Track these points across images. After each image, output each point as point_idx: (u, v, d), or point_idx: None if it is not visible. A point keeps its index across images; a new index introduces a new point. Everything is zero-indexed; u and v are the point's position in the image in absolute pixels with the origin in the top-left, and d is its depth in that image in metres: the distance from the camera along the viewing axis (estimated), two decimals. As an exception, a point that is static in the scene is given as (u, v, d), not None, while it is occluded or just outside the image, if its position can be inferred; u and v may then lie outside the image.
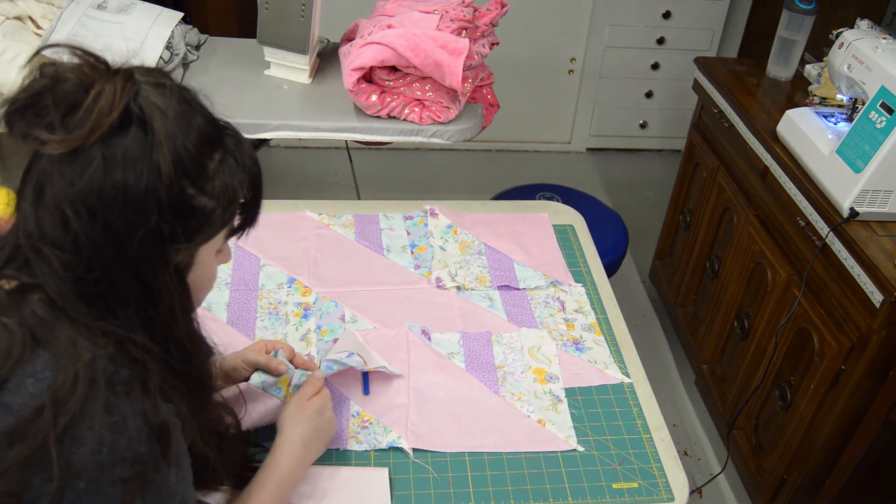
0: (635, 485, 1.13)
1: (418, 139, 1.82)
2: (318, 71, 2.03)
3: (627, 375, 1.31)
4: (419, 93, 1.77)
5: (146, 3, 1.96)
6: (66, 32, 1.78)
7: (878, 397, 1.56)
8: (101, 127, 0.68)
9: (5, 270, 0.73)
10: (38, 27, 1.83)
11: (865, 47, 1.59)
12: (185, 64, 1.98)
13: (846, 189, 1.54)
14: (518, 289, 1.48)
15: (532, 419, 1.21)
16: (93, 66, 0.71)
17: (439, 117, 1.79)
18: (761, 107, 1.97)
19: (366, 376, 1.24)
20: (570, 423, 1.21)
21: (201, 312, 0.87)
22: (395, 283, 1.47)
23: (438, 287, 1.47)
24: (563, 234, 1.64)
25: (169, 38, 1.89)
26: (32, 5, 1.84)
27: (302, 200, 1.67)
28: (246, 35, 2.16)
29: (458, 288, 1.47)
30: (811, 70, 2.03)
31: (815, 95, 1.95)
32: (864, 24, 1.83)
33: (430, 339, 1.34)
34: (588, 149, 3.53)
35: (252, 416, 1.14)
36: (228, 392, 1.13)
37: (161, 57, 1.86)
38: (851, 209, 1.54)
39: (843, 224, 1.55)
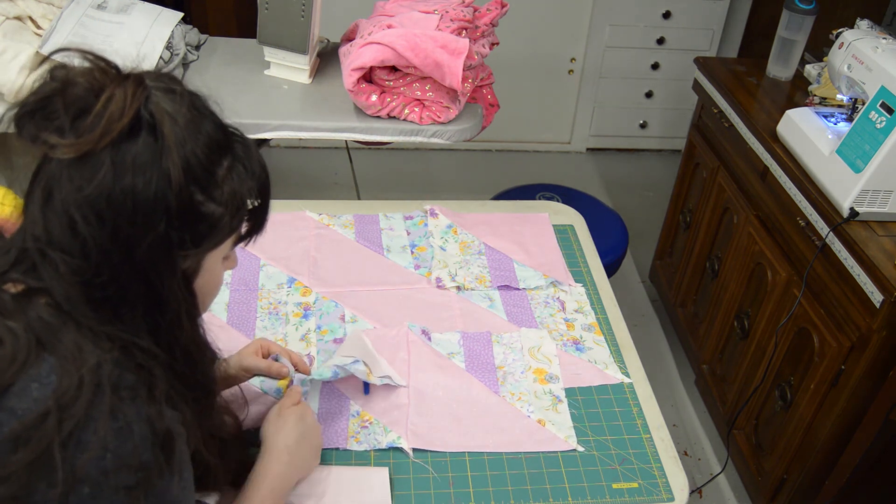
0: (635, 485, 1.13)
1: (418, 139, 1.82)
2: (318, 71, 2.03)
3: (627, 375, 1.31)
4: (419, 93, 1.77)
5: (146, 3, 1.95)
6: (67, 32, 1.78)
7: (878, 397, 1.56)
8: (111, 132, 0.68)
9: (11, 274, 0.73)
10: (38, 27, 1.83)
11: (865, 47, 1.59)
12: (185, 64, 1.98)
13: (846, 189, 1.55)
14: (518, 289, 1.48)
15: (532, 419, 1.21)
16: (103, 71, 0.71)
17: (439, 117, 1.79)
18: (761, 107, 1.97)
19: (366, 376, 1.24)
20: (570, 423, 1.21)
21: (204, 316, 0.87)
22: (395, 283, 1.47)
23: (438, 287, 1.47)
24: (563, 234, 1.64)
25: (169, 38, 1.89)
26: (32, 5, 1.84)
27: (302, 200, 1.67)
28: (246, 35, 2.16)
29: (458, 288, 1.47)
30: (811, 70, 2.03)
31: (815, 95, 1.95)
32: (864, 24, 1.83)
33: (430, 339, 1.34)
34: (588, 149, 3.53)
35: (252, 415, 1.14)
36: (228, 392, 1.13)
37: (161, 57, 1.86)
38: (851, 209, 1.54)
39: (843, 224, 1.55)
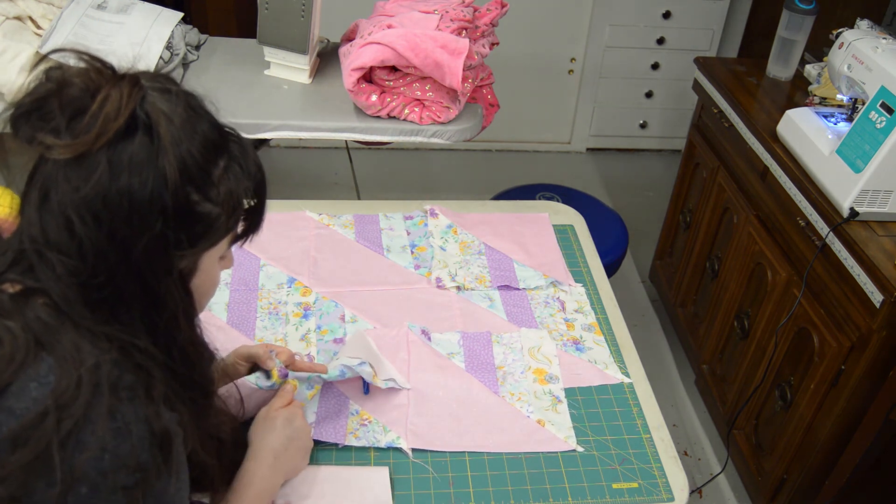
0: (635, 485, 1.13)
1: (418, 139, 1.82)
2: (318, 71, 2.03)
3: (627, 375, 1.31)
4: (419, 93, 1.77)
5: (146, 3, 1.96)
6: (67, 32, 1.78)
7: (878, 397, 1.56)
8: (107, 132, 0.68)
9: (9, 274, 0.73)
10: (38, 27, 1.83)
11: (865, 47, 1.59)
12: (185, 64, 1.98)
13: (846, 189, 1.54)
14: (518, 289, 1.48)
15: (532, 419, 1.21)
16: (99, 71, 0.71)
17: (439, 117, 1.79)
18: (761, 107, 1.97)
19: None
20: (569, 423, 1.21)
21: (201, 316, 0.87)
22: (395, 283, 1.47)
23: (438, 287, 1.47)
24: (563, 234, 1.64)
25: (169, 38, 1.89)
26: (32, 5, 1.84)
27: (302, 200, 1.67)
28: (246, 35, 2.16)
29: (458, 288, 1.47)
30: (811, 70, 2.03)
31: (815, 95, 1.95)
32: (864, 24, 1.83)
33: (430, 339, 1.34)
34: (588, 149, 3.52)
35: (249, 408, 1.13)
36: (224, 390, 1.13)
37: (161, 57, 1.86)
38: (851, 209, 1.54)
39: (843, 224, 1.55)
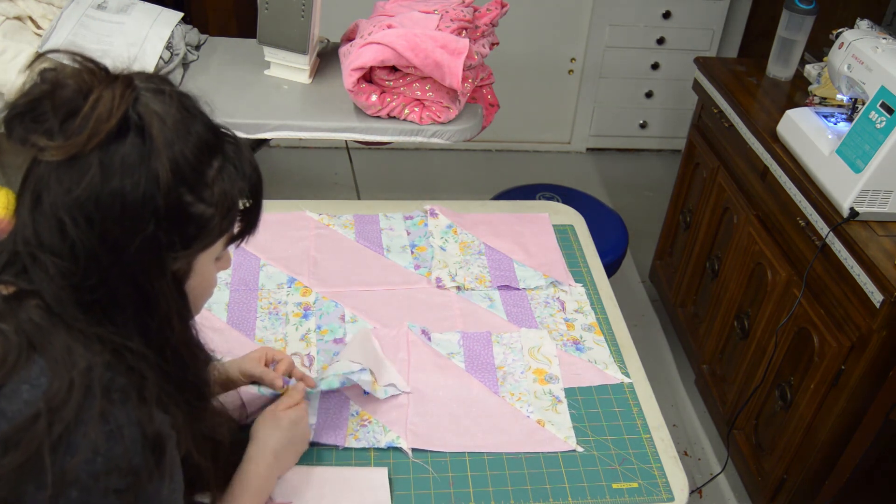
0: (635, 485, 1.13)
1: (418, 139, 1.82)
2: (318, 71, 2.03)
3: (627, 375, 1.31)
4: (419, 93, 1.77)
5: (146, 3, 1.96)
6: (67, 32, 1.78)
7: (878, 397, 1.56)
8: (98, 134, 0.68)
9: (3, 276, 0.73)
10: (38, 27, 1.83)
11: (865, 47, 1.59)
12: (185, 64, 1.98)
13: (846, 189, 1.54)
14: (518, 289, 1.48)
15: (532, 419, 1.21)
16: (92, 72, 0.71)
17: (439, 117, 1.79)
18: (761, 107, 1.97)
19: (366, 376, 1.24)
20: (569, 423, 1.21)
21: (201, 317, 0.86)
22: (395, 283, 1.47)
23: (438, 287, 1.47)
24: (563, 234, 1.64)
25: (169, 39, 1.89)
26: (32, 5, 1.84)
27: (302, 200, 1.67)
28: (246, 35, 2.16)
29: (458, 288, 1.47)
30: (811, 70, 2.03)
31: (815, 95, 1.95)
32: (864, 24, 1.83)
33: (430, 339, 1.34)
34: (588, 149, 3.52)
35: (252, 411, 1.13)
36: (228, 397, 1.12)
37: (161, 57, 1.86)
38: (851, 209, 1.54)
39: (843, 224, 1.55)
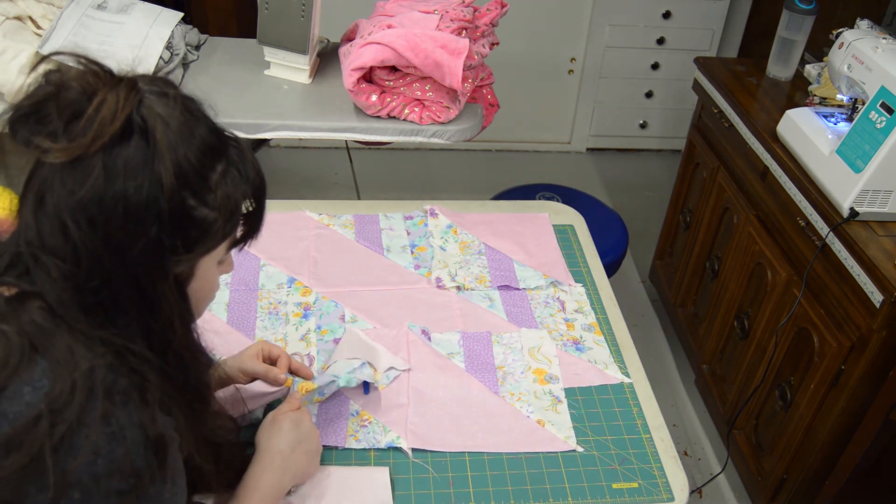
0: (635, 485, 1.13)
1: (418, 139, 1.82)
2: (318, 71, 2.03)
3: (627, 375, 1.31)
4: (419, 93, 1.77)
5: (146, 3, 1.96)
6: (67, 32, 1.78)
7: (878, 397, 1.56)
8: (102, 136, 0.68)
9: (5, 277, 0.73)
10: (38, 27, 1.83)
11: (865, 47, 1.59)
12: (185, 64, 1.98)
13: (846, 189, 1.54)
14: (518, 289, 1.48)
15: (532, 419, 1.21)
16: (96, 75, 0.71)
17: (439, 117, 1.79)
18: (761, 107, 1.97)
19: (366, 376, 1.24)
20: (569, 423, 1.21)
21: (201, 319, 0.86)
22: (395, 283, 1.47)
23: (438, 287, 1.47)
24: (563, 234, 1.64)
25: (169, 39, 1.89)
26: (32, 5, 1.84)
27: (302, 200, 1.67)
28: (246, 35, 2.16)
29: (458, 288, 1.47)
30: (811, 70, 2.03)
31: (815, 95, 1.95)
32: (864, 24, 1.83)
33: (430, 339, 1.34)
34: (588, 149, 3.53)
35: (252, 406, 1.13)
36: (226, 392, 1.12)
37: (161, 57, 1.86)
38: (851, 209, 1.54)
39: (843, 224, 1.55)
